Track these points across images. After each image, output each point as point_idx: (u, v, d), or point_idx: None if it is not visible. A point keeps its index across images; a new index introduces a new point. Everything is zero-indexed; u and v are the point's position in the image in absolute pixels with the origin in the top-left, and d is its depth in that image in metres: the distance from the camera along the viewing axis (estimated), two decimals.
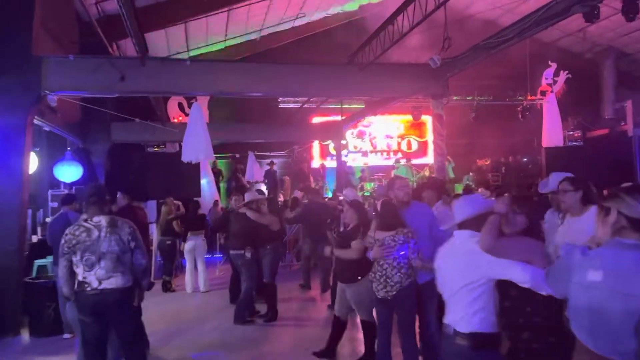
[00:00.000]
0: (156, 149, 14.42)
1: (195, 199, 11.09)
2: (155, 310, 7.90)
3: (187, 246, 9.37)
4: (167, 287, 9.76)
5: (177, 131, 12.95)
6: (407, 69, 8.00)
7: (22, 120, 6.83)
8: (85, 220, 4.23)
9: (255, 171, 14.12)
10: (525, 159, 18.99)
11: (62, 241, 4.17)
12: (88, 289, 4.09)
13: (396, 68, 7.99)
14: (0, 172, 6.77)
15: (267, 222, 6.70)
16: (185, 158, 6.56)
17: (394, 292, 4.35)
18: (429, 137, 20.37)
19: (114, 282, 4.11)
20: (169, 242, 9.87)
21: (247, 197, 6.99)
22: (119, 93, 7.75)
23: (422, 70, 7.82)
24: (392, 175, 17.43)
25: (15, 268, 6.61)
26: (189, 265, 9.51)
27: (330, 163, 18.79)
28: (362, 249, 4.79)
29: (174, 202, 11.17)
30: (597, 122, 18.58)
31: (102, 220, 4.20)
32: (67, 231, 4.21)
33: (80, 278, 4.15)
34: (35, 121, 8.76)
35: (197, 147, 6.46)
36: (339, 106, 17.66)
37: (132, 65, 7.28)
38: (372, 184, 17.37)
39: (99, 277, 4.09)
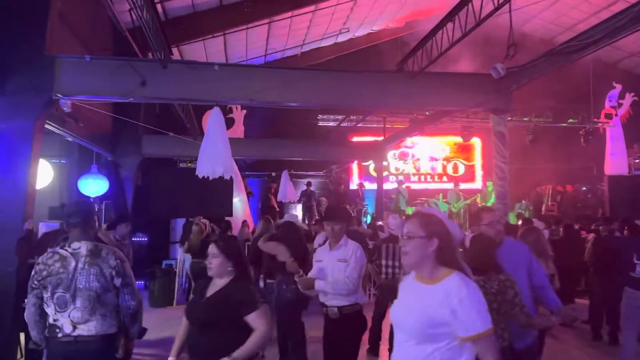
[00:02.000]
0: (188, 164, 13.75)
1: (227, 218, 10.25)
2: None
3: None
4: None
5: None
6: (465, 78, 6.96)
7: (29, 125, 6.14)
8: (62, 247, 3.34)
9: (288, 191, 13.20)
10: (584, 188, 17.49)
11: (32, 272, 3.30)
12: (59, 334, 3.17)
13: (451, 77, 6.96)
14: (3, 182, 6.05)
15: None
16: (200, 172, 5.64)
17: None
18: (477, 160, 19.17)
19: (93, 327, 3.18)
20: (203, 266, 8.97)
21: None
22: (140, 99, 7.02)
23: (482, 80, 6.79)
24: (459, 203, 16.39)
25: (13, 292, 5.83)
26: None
27: (370, 185, 17.77)
28: None
29: (202, 220, 10.37)
30: None
31: (83, 247, 3.30)
32: (39, 259, 3.33)
33: (51, 320, 3.23)
34: (56, 130, 8.19)
35: (215, 159, 5.53)
36: (380, 125, 16.75)
37: (154, 69, 6.53)
38: (413, 209, 16.25)
39: (73, 321, 3.16)
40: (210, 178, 5.67)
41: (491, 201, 16.22)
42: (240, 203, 14.01)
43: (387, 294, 6.57)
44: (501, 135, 6.89)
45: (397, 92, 6.80)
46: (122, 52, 9.52)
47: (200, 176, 5.61)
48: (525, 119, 13.33)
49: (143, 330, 3.54)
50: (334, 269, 4.17)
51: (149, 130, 12.37)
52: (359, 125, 15.16)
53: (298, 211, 15.43)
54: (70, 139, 9.30)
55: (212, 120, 5.74)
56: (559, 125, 13.96)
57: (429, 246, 2.26)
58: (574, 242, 8.23)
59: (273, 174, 17.61)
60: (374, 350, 6.57)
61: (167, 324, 8.30)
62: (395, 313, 2.43)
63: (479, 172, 19.15)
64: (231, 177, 13.25)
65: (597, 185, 17.12)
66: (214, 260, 3.18)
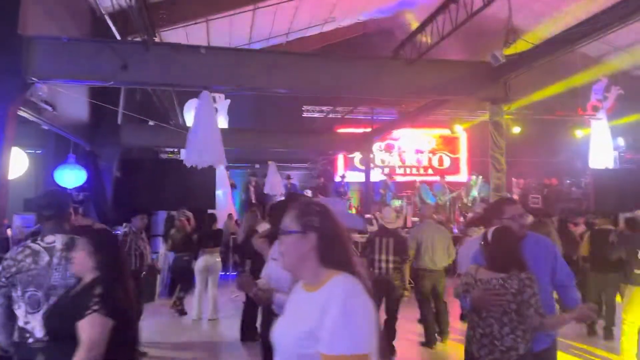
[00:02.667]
0: (170, 155, 13.33)
1: (210, 211, 9.91)
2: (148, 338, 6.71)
3: (199, 265, 8.14)
4: (178, 307, 8.60)
5: None
6: (462, 67, 6.72)
7: (2, 110, 5.71)
8: (34, 241, 2.99)
9: (275, 184, 12.85)
10: (568, 181, 17.50)
11: (15, 266, 2.91)
12: (30, 339, 2.80)
13: (449, 65, 6.70)
14: None
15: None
16: (188, 161, 5.25)
17: None
18: (462, 153, 19.06)
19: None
20: (186, 259, 8.63)
21: None
22: (121, 84, 6.63)
23: (480, 68, 6.56)
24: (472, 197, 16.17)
25: None
26: (198, 287, 8.27)
27: (352, 176, 17.55)
28: None
29: (187, 213, 10.03)
30: None
31: (57, 241, 2.95)
32: (7, 255, 2.97)
33: (21, 323, 2.85)
34: (31, 117, 7.74)
35: (203, 147, 5.15)
36: (366, 117, 16.50)
37: (136, 52, 6.14)
38: (398, 201, 16.06)
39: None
40: (199, 167, 5.30)
41: (473, 194, 16.14)
42: (223, 195, 13.65)
43: (379, 289, 6.35)
44: (498, 125, 6.68)
45: (392, 80, 6.52)
46: (101, 37, 9.08)
47: (188, 165, 5.24)
48: (513, 110, 13.17)
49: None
50: (283, 278, 3.29)
51: (129, 119, 11.95)
52: (345, 117, 14.89)
53: None
54: (46, 127, 8.84)
55: (201, 105, 5.35)
56: (547, 117, 13.85)
57: (306, 243, 1.82)
58: (566, 236, 8.10)
59: (257, 165, 17.28)
60: None
61: (150, 320, 7.96)
62: (274, 332, 1.89)
63: (464, 165, 19.05)
64: (214, 168, 13.04)
65: (581, 178, 17.12)
66: (76, 256, 2.69)
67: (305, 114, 17.12)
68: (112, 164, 11.66)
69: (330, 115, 15.22)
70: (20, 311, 2.86)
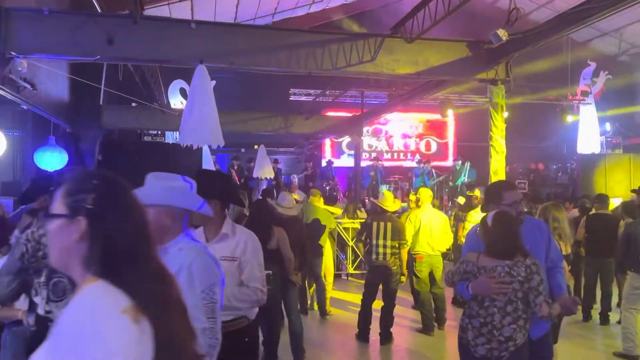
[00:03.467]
0: (154, 138, 12.93)
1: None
2: None
3: None
4: None
5: (177, 117, 11.51)
6: (463, 46, 6.47)
7: None
8: None
9: (264, 167, 12.52)
10: (555, 166, 17.55)
11: (18, 250, 2.65)
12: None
13: (451, 44, 6.45)
14: None
15: None
16: (183, 140, 4.91)
17: (505, 355, 2.81)
18: (450, 138, 18.98)
19: None
20: None
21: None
22: (106, 59, 6.29)
23: (481, 48, 6.35)
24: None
25: None
26: None
27: (339, 161, 17.37)
28: None
29: None
30: (631, 129, 17.08)
31: None
32: (25, 237, 2.65)
33: (41, 311, 2.60)
34: (9, 96, 7.32)
35: (200, 126, 4.79)
36: (355, 101, 16.23)
37: (123, 26, 5.78)
38: (386, 186, 15.92)
39: None
40: (195, 147, 4.98)
41: (460, 179, 16.04)
42: None
43: (377, 275, 6.18)
44: (498, 107, 6.50)
45: (390, 58, 6.27)
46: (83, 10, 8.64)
47: (183, 145, 4.91)
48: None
49: None
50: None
51: (111, 100, 11.53)
52: (334, 100, 14.56)
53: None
54: (25, 107, 8.43)
55: (196, 81, 5.01)
56: (536, 101, 13.78)
57: (72, 232, 1.22)
58: None
59: (242, 149, 16.95)
60: (363, 336, 6.16)
61: None
62: None
63: (451, 150, 18.98)
64: (200, 151, 12.69)
65: (567, 163, 17.18)
66: None
67: (292, 97, 16.80)
68: (94, 146, 11.26)
69: (319, 99, 14.88)
70: (39, 299, 2.61)
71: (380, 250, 6.06)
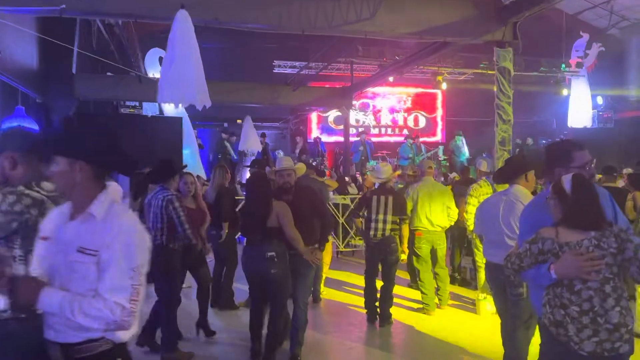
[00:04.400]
0: (131, 110, 12.23)
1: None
2: None
3: None
4: None
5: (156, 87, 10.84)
6: (468, 5, 5.93)
7: None
8: (29, 188, 2.34)
9: (251, 140, 11.92)
10: (544, 141, 17.26)
11: (16, 221, 2.27)
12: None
13: (456, 2, 5.87)
14: None
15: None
16: (162, 98, 4.27)
17: (620, 345, 2.29)
18: (438, 113, 18.54)
19: None
20: None
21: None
22: (73, 13, 5.61)
23: (487, 8, 5.83)
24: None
25: None
26: None
27: (325, 137, 16.84)
28: None
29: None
30: (622, 103, 16.83)
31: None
32: (20, 206, 2.30)
33: None
34: None
35: (183, 82, 4.14)
36: (343, 74, 15.65)
37: None
38: (374, 162, 15.48)
39: None
40: (176, 107, 4.36)
41: (464, 154, 15.65)
42: (191, 155, 12.71)
43: (377, 252, 5.73)
44: (506, 71, 6.03)
45: (391, 17, 5.73)
46: None
47: (161, 103, 4.30)
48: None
49: None
50: (63, 267, 1.95)
51: (86, 69, 10.82)
52: (320, 73, 13.93)
53: None
54: None
55: (177, 28, 4.32)
56: (527, 74, 13.37)
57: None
58: None
59: (225, 124, 16.30)
60: (371, 316, 5.73)
61: None
62: None
63: (439, 125, 18.57)
64: (180, 123, 12.04)
65: (557, 138, 16.90)
66: None
67: (276, 70, 16.16)
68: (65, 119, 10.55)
69: (304, 72, 14.25)
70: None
71: (380, 225, 5.61)
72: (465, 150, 15.57)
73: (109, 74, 11.09)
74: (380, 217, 5.59)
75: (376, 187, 5.88)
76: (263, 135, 15.10)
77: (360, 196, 8.63)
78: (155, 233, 4.62)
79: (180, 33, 4.28)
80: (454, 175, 11.14)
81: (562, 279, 2.36)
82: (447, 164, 15.66)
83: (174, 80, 4.14)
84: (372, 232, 5.64)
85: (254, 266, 4.37)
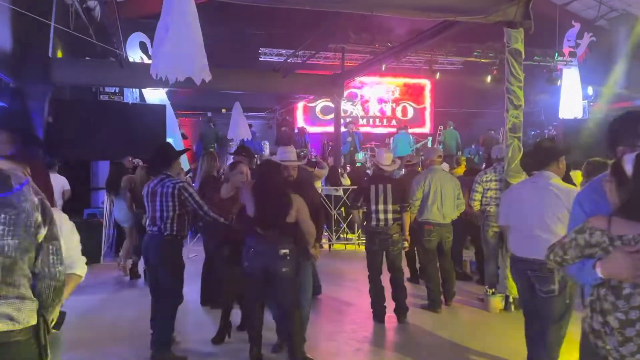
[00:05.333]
0: (111, 97, 11.63)
1: None
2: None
3: None
4: (134, 272, 7.49)
5: (138, 73, 10.28)
6: None
7: None
8: None
9: (241, 127, 11.40)
10: (532, 133, 17.09)
11: None
12: None
13: None
14: None
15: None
16: (156, 70, 3.73)
17: None
18: (427, 103, 18.23)
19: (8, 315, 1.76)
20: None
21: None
22: None
23: None
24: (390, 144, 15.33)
25: None
26: None
27: (313, 127, 16.42)
28: None
29: (134, 160, 8.66)
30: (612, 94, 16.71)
31: None
32: None
33: None
34: None
35: (181, 51, 3.64)
36: (332, 62, 15.22)
37: None
38: (362, 154, 15.13)
39: None
40: (172, 81, 3.83)
41: (452, 144, 15.37)
42: (174, 143, 12.17)
43: (378, 243, 5.36)
44: (517, 53, 5.67)
45: None
46: None
47: (155, 77, 3.79)
48: (491, 54, 12.32)
49: (62, 316, 2.21)
50: None
51: (63, 52, 10.21)
52: (307, 62, 13.44)
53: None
54: None
55: None
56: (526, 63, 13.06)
57: None
58: None
59: (209, 113, 15.77)
60: (379, 315, 5.36)
61: (96, 288, 6.69)
62: None
63: (428, 116, 18.27)
64: (163, 111, 11.47)
65: (545, 129, 16.75)
66: None
67: (262, 58, 15.66)
68: (43, 105, 9.92)
69: (291, 60, 13.77)
70: None
71: (381, 216, 5.23)
72: (455, 140, 15.35)
73: (88, 58, 10.50)
74: (381, 207, 5.22)
75: (370, 174, 5.52)
76: (249, 126, 14.60)
77: (355, 187, 8.28)
78: (164, 224, 4.31)
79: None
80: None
81: (609, 279, 1.94)
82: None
83: (170, 50, 3.64)
84: (373, 223, 5.27)
85: (262, 263, 4.01)
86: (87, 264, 2.63)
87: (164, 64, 3.69)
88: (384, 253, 5.35)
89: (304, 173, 5.57)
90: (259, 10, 14.00)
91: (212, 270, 5.77)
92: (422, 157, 8.39)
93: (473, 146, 16.83)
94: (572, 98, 14.68)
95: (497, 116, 17.12)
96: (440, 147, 15.25)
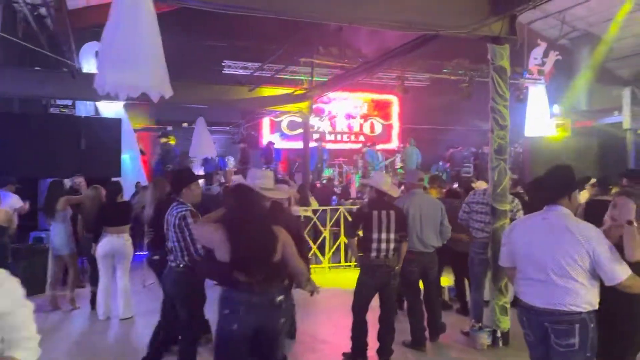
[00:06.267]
0: (62, 110, 10.80)
1: (115, 179, 7.78)
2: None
3: (102, 249, 6.16)
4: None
5: (92, 86, 9.54)
6: None
7: None
8: None
9: (204, 144, 10.68)
10: None
11: None
12: None
13: None
14: None
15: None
16: (102, 83, 2.95)
17: None
18: (394, 120, 17.99)
19: None
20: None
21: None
22: None
23: None
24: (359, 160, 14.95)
25: None
26: (103, 279, 6.30)
27: (278, 143, 15.88)
28: None
29: (77, 180, 7.95)
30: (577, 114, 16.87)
31: None
32: None
33: None
34: None
35: (133, 62, 2.96)
36: (299, 77, 14.77)
37: None
38: (330, 170, 14.71)
39: None
40: (122, 98, 3.18)
41: (414, 161, 15.16)
42: (131, 160, 11.45)
43: (379, 277, 4.83)
44: (503, 70, 5.33)
45: (376, 3, 4.83)
46: None
47: (100, 92, 3.11)
48: (460, 72, 12.13)
49: None
50: None
51: (8, 61, 9.41)
52: (274, 76, 12.92)
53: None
54: None
55: None
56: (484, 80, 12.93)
57: None
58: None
59: (169, 127, 15.06)
60: (362, 355, 4.82)
61: (44, 319, 5.98)
62: None
63: (395, 132, 18.03)
64: (118, 125, 10.70)
65: (511, 147, 16.73)
66: None
67: (226, 70, 15.08)
68: None
69: (257, 74, 13.22)
70: None
71: (383, 245, 4.71)
72: (417, 157, 15.15)
73: (37, 69, 9.69)
74: (383, 236, 4.71)
75: (364, 198, 5.00)
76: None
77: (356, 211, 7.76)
78: (174, 254, 4.09)
79: None
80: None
81: None
82: (403, 172, 15.14)
83: (119, 57, 2.95)
84: (373, 254, 4.74)
85: (257, 321, 3.12)
86: (30, 294, 2.06)
87: (113, 76, 3.02)
88: (381, 287, 4.84)
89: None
90: (222, 21, 13.48)
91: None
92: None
93: (440, 163, 16.67)
94: (539, 116, 14.63)
95: (462, 133, 17.19)
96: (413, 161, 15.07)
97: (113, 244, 6.14)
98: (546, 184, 3.23)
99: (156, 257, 4.90)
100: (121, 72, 3.03)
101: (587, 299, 2.95)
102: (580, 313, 2.94)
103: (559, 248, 3.00)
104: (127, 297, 6.28)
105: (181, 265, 4.06)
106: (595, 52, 17.13)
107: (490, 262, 5.34)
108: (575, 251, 2.95)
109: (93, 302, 6.61)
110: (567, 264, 2.96)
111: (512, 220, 5.19)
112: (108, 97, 8.31)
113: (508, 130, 5.46)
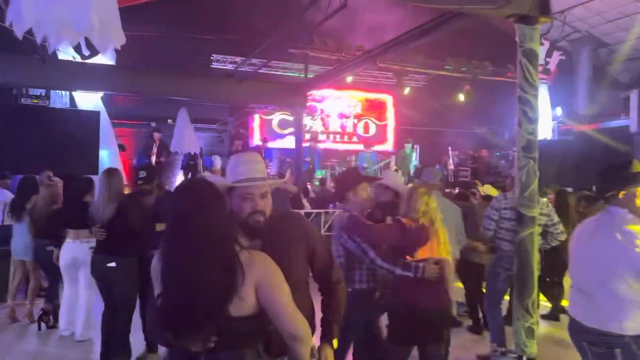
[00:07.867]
0: (34, 101, 9.95)
1: (88, 176, 6.91)
2: None
3: (65, 257, 5.24)
4: (46, 321, 5.75)
5: (68, 72, 8.77)
6: None
7: None
8: None
9: (186, 139, 9.81)
10: (497, 153, 16.44)
11: None
12: None
13: None
14: None
15: None
16: (18, 22, 2.12)
17: None
18: (390, 120, 17.30)
19: None
20: (50, 249, 5.63)
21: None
22: None
23: None
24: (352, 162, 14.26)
25: None
26: (67, 290, 5.45)
27: (276, 143, 15.16)
28: None
29: (52, 178, 7.05)
30: (577, 119, 16.33)
31: None
32: None
33: None
34: None
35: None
36: (292, 74, 14.04)
37: None
38: (323, 172, 13.97)
39: None
40: (53, 46, 2.25)
41: (412, 163, 14.52)
42: (109, 157, 10.59)
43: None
44: (532, 54, 4.62)
45: None
46: None
47: (17, 28, 2.15)
48: (463, 69, 11.46)
49: None
50: None
51: None
52: (265, 70, 12.18)
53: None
54: None
55: None
56: (497, 79, 12.35)
57: None
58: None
59: (153, 123, 14.19)
60: None
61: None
62: None
63: (391, 133, 17.33)
64: (97, 117, 9.86)
65: (509, 150, 16.14)
66: None
67: (214, 65, 14.32)
68: None
69: (245, 68, 12.45)
70: None
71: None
72: (415, 160, 14.52)
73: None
74: None
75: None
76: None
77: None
78: None
79: None
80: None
81: None
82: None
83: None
84: None
85: None
86: None
87: (35, 10, 2.05)
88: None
89: (280, 200, 4.11)
90: (211, 13, 12.72)
91: None
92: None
93: (437, 166, 16.02)
94: (541, 118, 14.07)
95: (460, 135, 16.59)
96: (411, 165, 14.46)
97: (76, 251, 5.22)
98: (610, 179, 2.59)
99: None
100: (48, 4, 2.06)
101: (634, 319, 2.41)
102: (623, 337, 2.42)
103: (603, 255, 2.50)
104: (89, 314, 5.37)
105: None
106: (595, 54, 16.70)
107: (515, 277, 4.62)
108: (617, 260, 2.40)
109: (55, 315, 5.76)
110: (607, 276, 2.46)
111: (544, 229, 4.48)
112: (85, 86, 7.44)
113: (537, 124, 4.73)
